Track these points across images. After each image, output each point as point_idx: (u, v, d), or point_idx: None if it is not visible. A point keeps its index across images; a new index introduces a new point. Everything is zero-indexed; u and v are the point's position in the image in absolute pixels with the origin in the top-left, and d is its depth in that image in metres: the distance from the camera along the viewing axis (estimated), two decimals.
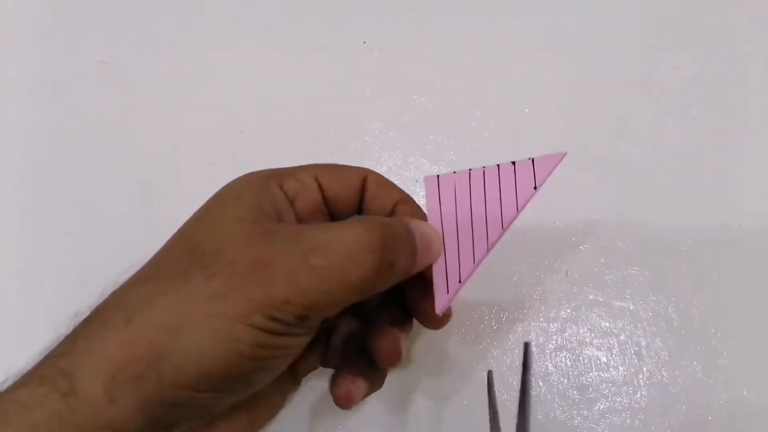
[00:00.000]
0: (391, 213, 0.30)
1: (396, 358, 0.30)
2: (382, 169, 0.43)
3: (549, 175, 0.29)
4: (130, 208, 0.42)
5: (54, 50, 0.47)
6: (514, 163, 0.29)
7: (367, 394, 0.31)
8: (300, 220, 0.29)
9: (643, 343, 0.38)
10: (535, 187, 0.29)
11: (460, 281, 0.29)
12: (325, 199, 0.29)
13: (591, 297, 0.39)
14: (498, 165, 0.29)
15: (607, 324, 0.38)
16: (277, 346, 0.24)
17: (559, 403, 0.37)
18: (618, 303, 0.39)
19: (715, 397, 0.37)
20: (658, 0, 0.46)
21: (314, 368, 0.33)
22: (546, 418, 0.37)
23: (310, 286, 0.24)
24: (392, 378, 0.38)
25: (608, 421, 0.36)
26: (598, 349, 0.38)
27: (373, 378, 0.31)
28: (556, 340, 0.38)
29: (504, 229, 0.29)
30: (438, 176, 0.30)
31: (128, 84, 0.46)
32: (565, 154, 0.29)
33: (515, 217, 0.29)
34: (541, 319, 0.39)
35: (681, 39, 0.45)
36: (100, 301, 0.26)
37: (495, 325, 0.38)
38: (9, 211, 0.43)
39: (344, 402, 0.30)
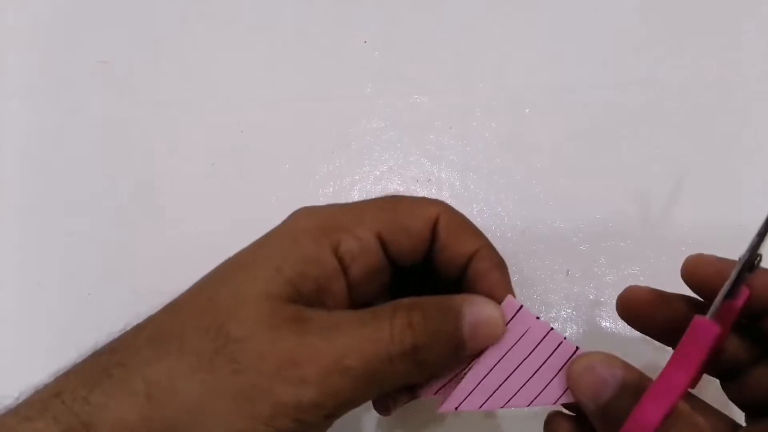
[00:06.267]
0: (466, 266, 0.27)
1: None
2: (382, 169, 0.43)
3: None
4: (130, 208, 0.42)
5: (54, 50, 0.47)
6: (576, 348, 0.27)
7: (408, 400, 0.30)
8: (352, 284, 0.27)
9: None
10: (554, 403, 0.26)
11: (479, 408, 0.27)
12: (388, 255, 0.27)
13: (591, 297, 0.39)
14: (577, 348, 0.27)
15: (608, 324, 0.38)
16: None
17: None
18: None
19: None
20: (658, 0, 0.46)
21: None
22: None
23: (343, 388, 0.23)
24: None
25: None
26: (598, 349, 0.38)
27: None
28: None
29: (504, 406, 0.27)
30: (521, 307, 0.27)
31: (128, 84, 0.46)
32: None
33: (520, 407, 0.27)
34: (542, 319, 0.39)
35: (681, 39, 0.45)
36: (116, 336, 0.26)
37: None
38: (9, 211, 0.43)
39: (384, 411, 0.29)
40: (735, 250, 0.40)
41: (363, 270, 0.26)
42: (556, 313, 0.39)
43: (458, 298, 0.26)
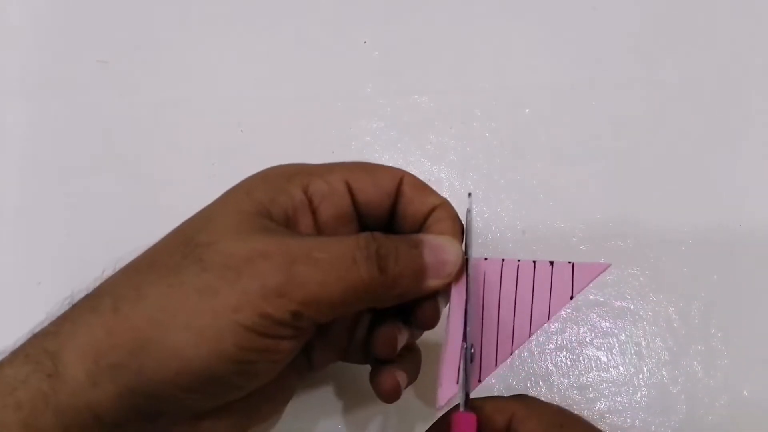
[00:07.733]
0: (426, 219, 0.28)
1: (389, 351, 0.28)
2: None
3: (588, 284, 0.27)
4: (130, 208, 0.42)
5: (54, 50, 0.47)
6: (551, 263, 0.27)
7: (407, 385, 0.29)
8: (321, 226, 0.27)
9: (643, 343, 0.38)
10: (571, 297, 0.27)
11: (480, 380, 0.27)
12: (355, 203, 0.28)
13: (591, 297, 0.39)
14: (534, 262, 0.28)
15: (608, 324, 0.38)
16: (264, 350, 0.23)
17: (559, 403, 0.37)
18: (618, 303, 0.39)
19: (715, 397, 0.37)
20: (658, 0, 0.46)
21: (332, 362, 0.31)
22: None
23: (309, 278, 0.23)
24: None
25: (608, 421, 0.36)
26: (599, 348, 0.38)
27: (409, 369, 0.29)
28: (556, 340, 0.38)
29: (530, 335, 0.27)
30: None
31: (128, 84, 0.46)
32: (609, 265, 0.27)
33: (544, 324, 0.27)
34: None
35: (681, 39, 0.45)
36: (96, 285, 0.26)
37: None
38: (9, 211, 0.43)
39: (392, 394, 0.28)
40: (735, 250, 0.40)
41: (332, 211, 0.27)
42: None
43: (415, 235, 0.27)
